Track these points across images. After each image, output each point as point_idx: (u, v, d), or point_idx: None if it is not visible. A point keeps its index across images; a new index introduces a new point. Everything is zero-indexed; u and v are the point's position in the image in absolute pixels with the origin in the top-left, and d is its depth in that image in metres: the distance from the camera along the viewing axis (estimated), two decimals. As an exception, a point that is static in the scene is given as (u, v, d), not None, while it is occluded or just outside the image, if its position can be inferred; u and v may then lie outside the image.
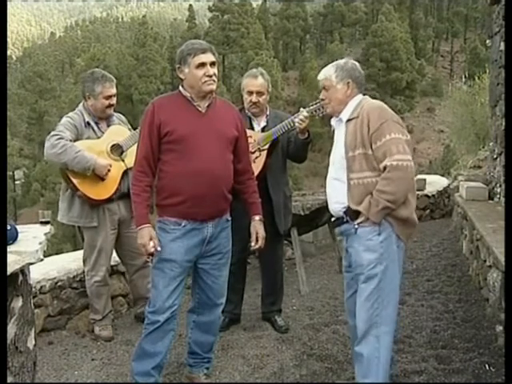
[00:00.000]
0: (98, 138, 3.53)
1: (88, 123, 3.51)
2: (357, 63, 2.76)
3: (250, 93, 3.51)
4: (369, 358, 2.52)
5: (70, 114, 3.54)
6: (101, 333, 3.60)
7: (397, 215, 2.52)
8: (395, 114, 2.61)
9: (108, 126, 3.61)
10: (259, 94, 3.51)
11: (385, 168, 2.47)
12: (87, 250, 3.58)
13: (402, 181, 2.45)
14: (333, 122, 2.76)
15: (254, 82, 3.51)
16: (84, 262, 3.62)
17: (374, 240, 2.53)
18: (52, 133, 3.37)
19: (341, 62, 2.74)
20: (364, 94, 2.71)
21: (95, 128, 3.54)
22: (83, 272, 3.67)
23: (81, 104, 3.60)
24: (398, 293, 2.60)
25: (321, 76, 2.75)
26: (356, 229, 2.57)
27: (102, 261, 3.56)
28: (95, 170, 3.37)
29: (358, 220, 2.56)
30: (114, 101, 3.58)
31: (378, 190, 2.48)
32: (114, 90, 3.56)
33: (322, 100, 2.77)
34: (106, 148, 3.49)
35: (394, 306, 2.59)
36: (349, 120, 2.62)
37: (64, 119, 3.48)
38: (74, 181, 3.39)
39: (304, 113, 3.25)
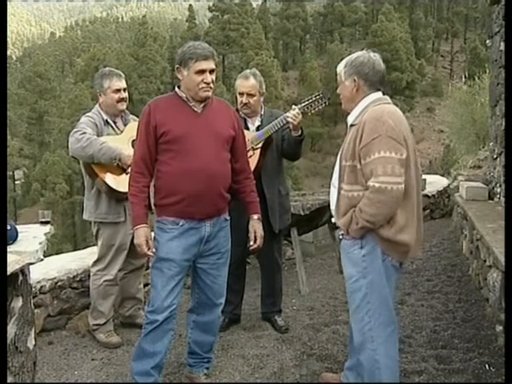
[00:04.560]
0: (118, 134, 3.52)
1: (107, 121, 3.51)
2: (373, 57, 2.49)
3: (241, 94, 3.50)
4: (371, 369, 2.49)
5: (88, 113, 3.53)
6: (110, 340, 3.50)
7: (378, 233, 2.40)
8: (394, 126, 2.33)
9: (124, 124, 3.60)
10: (250, 95, 3.49)
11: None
12: (104, 248, 3.50)
13: (382, 204, 2.30)
14: (347, 118, 2.61)
15: (245, 83, 3.49)
16: (97, 261, 3.53)
17: (355, 254, 2.47)
18: (74, 129, 3.35)
19: (353, 55, 2.53)
20: (384, 94, 2.49)
21: (113, 126, 3.54)
22: (84, 272, 3.65)
23: (97, 105, 3.60)
24: (391, 304, 2.53)
25: (337, 69, 2.58)
26: (341, 239, 2.55)
27: (118, 259, 3.50)
28: (121, 159, 3.32)
29: (339, 231, 2.53)
30: (124, 95, 3.54)
31: (359, 207, 2.38)
32: (121, 84, 3.53)
33: (339, 94, 2.59)
34: (128, 143, 3.46)
35: (388, 316, 2.49)
36: (352, 125, 2.49)
37: (83, 118, 3.47)
38: (100, 175, 3.36)
39: (296, 109, 3.26)
